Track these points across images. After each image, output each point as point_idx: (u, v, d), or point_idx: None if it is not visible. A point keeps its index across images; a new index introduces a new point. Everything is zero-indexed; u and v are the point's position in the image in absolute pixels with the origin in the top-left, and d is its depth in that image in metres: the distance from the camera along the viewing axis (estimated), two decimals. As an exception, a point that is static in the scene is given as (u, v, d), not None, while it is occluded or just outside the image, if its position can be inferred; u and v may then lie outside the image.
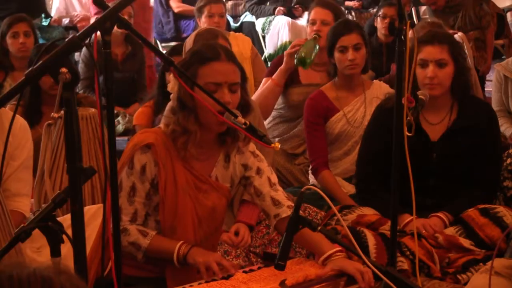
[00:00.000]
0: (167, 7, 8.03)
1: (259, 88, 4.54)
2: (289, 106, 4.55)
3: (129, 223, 2.68)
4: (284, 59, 4.37)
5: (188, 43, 3.80)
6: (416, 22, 7.61)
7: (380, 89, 4.06)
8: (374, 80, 4.30)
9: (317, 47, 4.29)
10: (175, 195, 2.67)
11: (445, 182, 3.49)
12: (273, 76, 4.42)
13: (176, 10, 7.99)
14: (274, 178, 2.84)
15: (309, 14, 4.62)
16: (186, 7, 7.88)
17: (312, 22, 4.51)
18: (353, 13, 8.19)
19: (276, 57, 4.90)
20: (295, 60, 4.27)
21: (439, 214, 3.43)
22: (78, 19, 7.48)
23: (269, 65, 5.52)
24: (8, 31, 5.52)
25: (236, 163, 2.81)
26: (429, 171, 3.45)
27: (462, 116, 3.54)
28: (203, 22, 5.65)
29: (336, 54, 3.98)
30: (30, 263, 1.22)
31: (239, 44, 5.29)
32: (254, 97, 4.34)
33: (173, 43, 7.36)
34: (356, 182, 3.73)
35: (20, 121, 3.01)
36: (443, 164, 3.48)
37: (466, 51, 6.05)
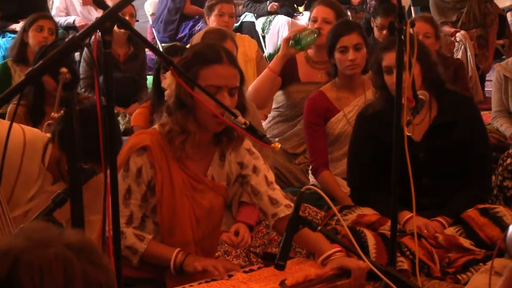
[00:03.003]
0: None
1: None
2: (288, 105, 4.54)
3: (125, 225, 2.67)
4: (282, 45, 4.37)
5: (196, 40, 3.79)
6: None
7: None
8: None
9: (315, 36, 4.28)
10: (172, 196, 2.67)
11: (438, 180, 3.48)
12: (270, 64, 4.41)
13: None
14: (271, 176, 2.83)
15: (311, 12, 4.61)
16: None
17: (314, 20, 4.49)
18: (348, 13, 8.17)
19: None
20: (290, 41, 4.26)
21: (438, 218, 3.42)
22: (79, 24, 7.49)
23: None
24: (33, 24, 5.47)
25: (232, 161, 2.80)
26: (419, 171, 3.41)
27: (442, 112, 3.53)
28: (212, 21, 5.64)
29: (337, 55, 3.97)
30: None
31: (245, 45, 5.32)
32: (251, 86, 4.33)
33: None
34: (349, 191, 3.72)
35: None
36: (431, 163, 3.47)
37: (468, 49, 6.06)
